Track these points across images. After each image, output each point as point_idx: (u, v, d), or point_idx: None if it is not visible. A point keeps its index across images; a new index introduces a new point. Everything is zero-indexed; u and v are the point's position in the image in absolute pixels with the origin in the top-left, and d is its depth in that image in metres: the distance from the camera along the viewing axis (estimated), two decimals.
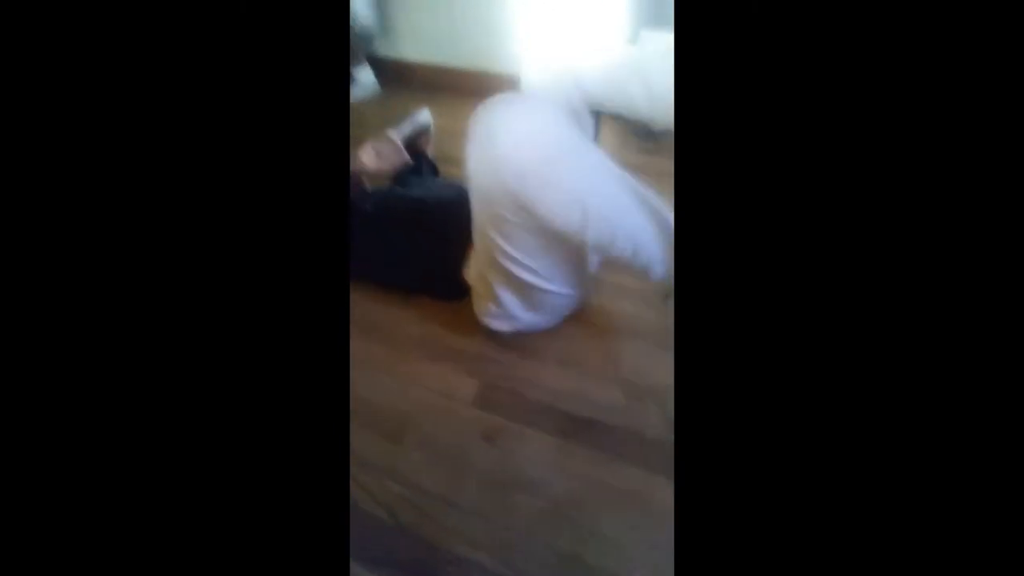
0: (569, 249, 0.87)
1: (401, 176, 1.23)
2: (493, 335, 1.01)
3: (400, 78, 2.18)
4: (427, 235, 1.07)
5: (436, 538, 0.74)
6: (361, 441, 0.85)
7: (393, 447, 0.85)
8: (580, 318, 1.05)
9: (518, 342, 1.00)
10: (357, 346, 1.00)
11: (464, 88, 2.06)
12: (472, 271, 1.00)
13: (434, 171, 1.34)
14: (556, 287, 0.91)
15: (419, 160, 1.26)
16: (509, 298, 0.92)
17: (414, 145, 1.25)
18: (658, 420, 0.86)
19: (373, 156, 1.14)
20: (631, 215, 0.79)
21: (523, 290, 0.90)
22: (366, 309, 1.09)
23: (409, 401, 0.92)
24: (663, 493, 0.77)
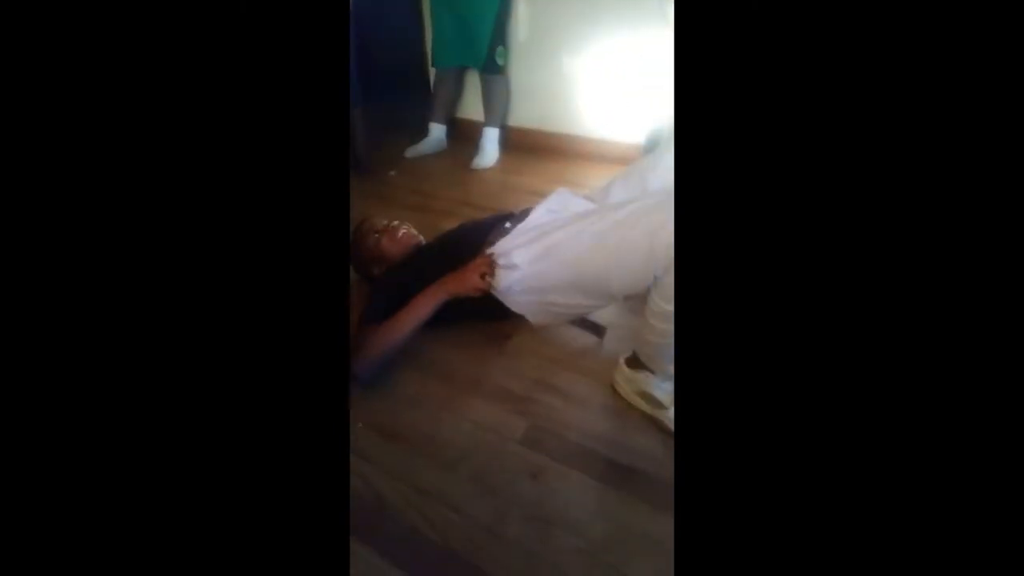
0: None
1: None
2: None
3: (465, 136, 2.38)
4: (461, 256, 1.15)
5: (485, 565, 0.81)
6: (420, 469, 0.95)
7: (448, 476, 0.94)
8: None
9: (566, 388, 1.09)
10: (419, 384, 1.12)
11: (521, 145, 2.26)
12: None
13: None
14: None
15: None
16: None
17: None
18: None
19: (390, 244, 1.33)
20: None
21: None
22: (430, 352, 1.21)
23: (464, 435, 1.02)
24: None
